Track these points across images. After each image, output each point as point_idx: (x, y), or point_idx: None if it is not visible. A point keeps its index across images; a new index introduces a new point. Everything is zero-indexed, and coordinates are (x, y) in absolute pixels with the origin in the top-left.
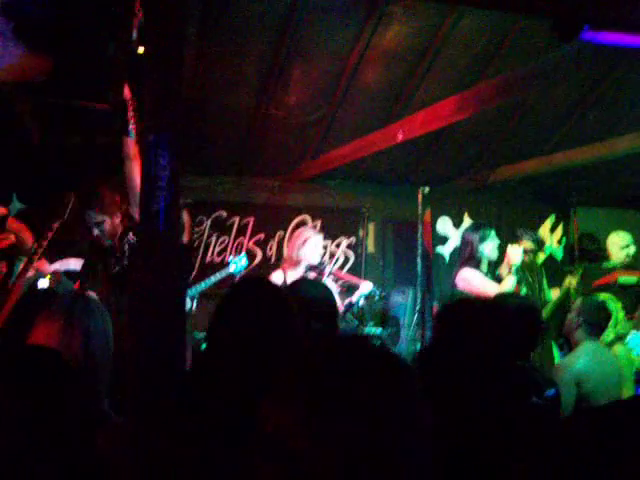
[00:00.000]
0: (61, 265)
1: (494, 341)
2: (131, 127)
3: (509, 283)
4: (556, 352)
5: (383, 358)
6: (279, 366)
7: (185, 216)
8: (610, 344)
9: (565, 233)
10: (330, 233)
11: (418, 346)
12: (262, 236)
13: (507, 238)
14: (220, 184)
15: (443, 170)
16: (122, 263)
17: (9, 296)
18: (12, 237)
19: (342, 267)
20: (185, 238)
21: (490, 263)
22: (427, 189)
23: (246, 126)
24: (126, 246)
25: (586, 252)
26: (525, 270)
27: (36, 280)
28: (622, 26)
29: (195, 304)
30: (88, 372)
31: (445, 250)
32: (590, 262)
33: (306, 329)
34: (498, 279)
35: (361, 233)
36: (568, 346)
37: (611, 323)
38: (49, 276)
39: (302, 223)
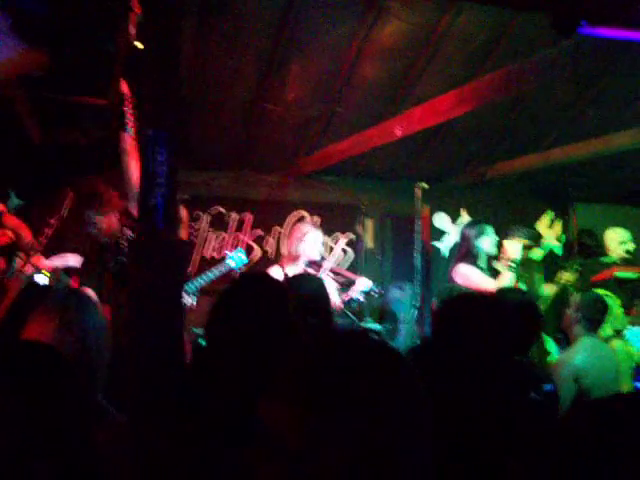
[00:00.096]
0: (60, 261)
1: (493, 336)
2: (128, 122)
3: (507, 278)
4: (551, 346)
5: (382, 353)
6: (279, 364)
7: (183, 212)
8: (608, 339)
9: (564, 229)
10: (328, 229)
11: (417, 342)
12: (260, 232)
13: (504, 234)
14: (218, 180)
15: (441, 166)
16: (120, 259)
17: (7, 292)
18: (10, 233)
19: (340, 263)
20: (183, 234)
21: (488, 259)
22: (425, 185)
23: (244, 122)
24: (124, 242)
25: (585, 248)
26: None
27: (33, 276)
28: (619, 21)
29: (193, 300)
30: (83, 367)
31: (444, 246)
32: (587, 258)
33: (303, 325)
34: (495, 274)
35: (359, 229)
36: (567, 341)
37: (609, 318)
38: (49, 275)
39: (300, 219)
